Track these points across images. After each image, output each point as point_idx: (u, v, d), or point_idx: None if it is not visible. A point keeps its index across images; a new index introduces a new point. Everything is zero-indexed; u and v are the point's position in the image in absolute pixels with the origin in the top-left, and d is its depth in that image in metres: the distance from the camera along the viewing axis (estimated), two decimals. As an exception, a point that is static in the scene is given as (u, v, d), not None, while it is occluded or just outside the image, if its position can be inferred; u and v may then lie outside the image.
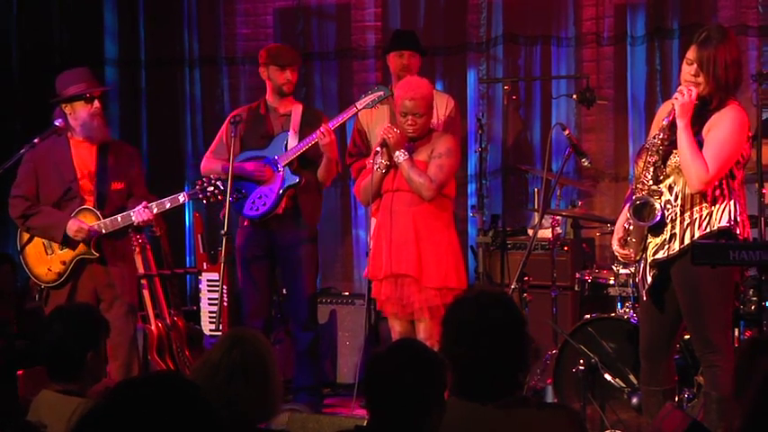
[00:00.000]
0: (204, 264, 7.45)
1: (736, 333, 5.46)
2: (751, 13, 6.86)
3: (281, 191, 6.27)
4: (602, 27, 7.30)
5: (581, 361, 5.72)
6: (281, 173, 6.28)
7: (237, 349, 3.39)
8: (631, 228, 4.78)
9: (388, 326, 6.35)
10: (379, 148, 5.78)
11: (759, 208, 5.16)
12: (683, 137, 4.60)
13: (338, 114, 6.37)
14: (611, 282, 6.13)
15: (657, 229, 4.70)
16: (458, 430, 3.19)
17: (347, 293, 7.43)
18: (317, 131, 6.16)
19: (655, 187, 4.70)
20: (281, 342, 7.05)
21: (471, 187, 7.59)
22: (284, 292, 6.77)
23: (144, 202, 5.80)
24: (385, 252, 5.85)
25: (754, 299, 5.56)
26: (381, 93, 6.17)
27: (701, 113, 4.65)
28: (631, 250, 4.81)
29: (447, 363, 3.19)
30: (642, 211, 4.71)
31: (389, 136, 5.76)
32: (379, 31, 7.73)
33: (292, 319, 6.64)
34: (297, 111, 6.42)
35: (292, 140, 6.33)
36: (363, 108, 6.22)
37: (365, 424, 3.10)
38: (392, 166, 5.80)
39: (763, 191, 5.25)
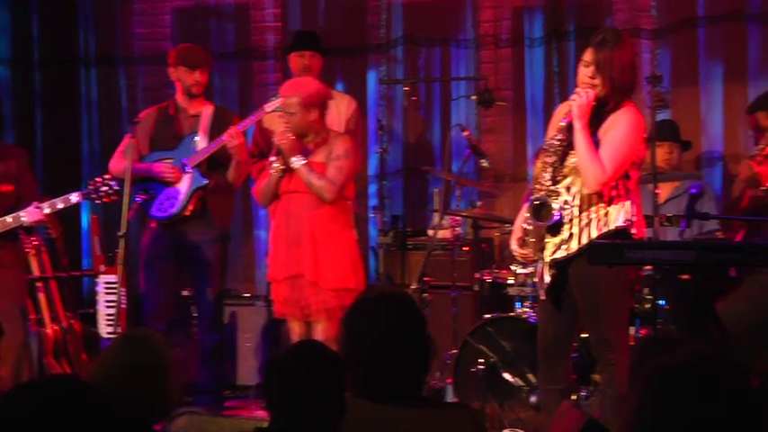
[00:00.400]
0: (101, 266, 7.33)
1: (632, 331, 5.55)
2: (644, 17, 6.98)
3: (189, 192, 6.22)
4: (500, 29, 7.36)
5: (480, 360, 5.77)
6: (190, 174, 6.23)
7: (129, 348, 3.35)
8: (530, 228, 4.82)
9: (287, 327, 6.34)
10: (274, 157, 5.78)
11: (653, 208, 5.26)
12: (581, 138, 4.66)
13: (247, 117, 6.35)
14: (511, 281, 6.18)
15: (556, 229, 4.76)
16: (358, 431, 3.19)
17: (248, 295, 7.39)
18: (226, 133, 6.13)
19: (553, 188, 4.75)
20: (180, 344, 6.98)
21: (372, 188, 7.59)
22: (186, 293, 6.71)
23: (35, 203, 5.70)
24: (282, 254, 5.85)
25: (649, 297, 5.65)
26: None
27: (597, 115, 4.72)
28: (530, 250, 4.85)
29: (347, 363, 3.19)
30: (540, 211, 4.76)
31: (282, 142, 5.75)
32: (279, 32, 7.69)
33: (198, 321, 6.59)
34: (207, 112, 6.38)
35: (201, 142, 6.30)
36: (272, 111, 6.21)
37: (266, 426, 3.08)
38: (288, 168, 5.79)
39: (657, 191, 5.35)
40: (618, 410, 4.58)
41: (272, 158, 5.81)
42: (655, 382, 2.36)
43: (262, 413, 5.42)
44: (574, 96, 4.71)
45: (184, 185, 6.23)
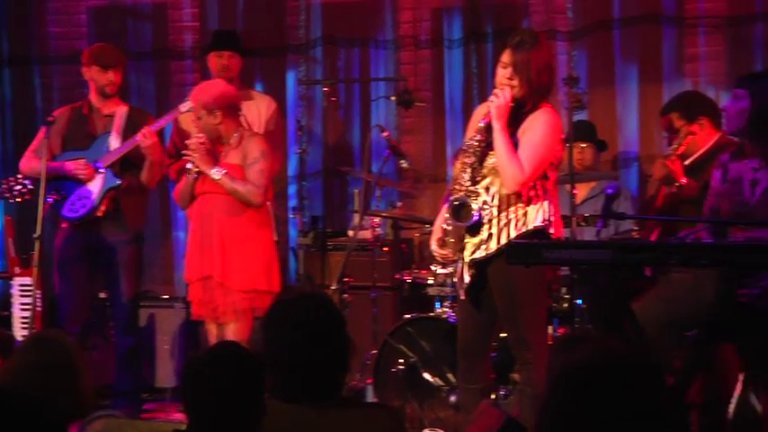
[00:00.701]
0: (16, 268, 7.21)
1: (550, 330, 5.60)
2: (560, 19, 7.05)
3: (101, 193, 6.17)
4: (419, 30, 7.39)
5: (400, 361, 5.78)
6: (103, 174, 6.17)
7: (39, 349, 3.32)
8: (449, 228, 4.84)
9: (205, 329, 6.30)
10: (189, 165, 5.73)
11: (571, 208, 5.30)
12: (500, 139, 4.69)
13: (161, 116, 6.31)
14: (430, 282, 6.20)
15: (475, 229, 4.78)
16: (278, 432, 3.18)
17: (167, 297, 7.32)
18: (140, 134, 6.09)
19: (472, 188, 4.78)
20: (97, 347, 6.90)
21: (292, 189, 7.57)
22: (102, 296, 6.64)
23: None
24: (196, 255, 5.84)
25: (567, 297, 5.71)
26: None
27: (516, 116, 4.76)
28: (449, 250, 4.87)
29: (267, 365, 3.18)
30: (460, 211, 4.78)
31: (195, 156, 5.71)
32: (197, 32, 7.63)
33: (113, 324, 6.52)
34: (121, 112, 6.34)
35: (114, 142, 6.25)
36: (187, 111, 6.18)
37: (183, 429, 3.06)
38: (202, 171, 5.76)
39: (575, 191, 5.40)
40: (536, 409, 4.61)
41: (189, 165, 5.78)
42: (566, 380, 2.39)
43: (179, 416, 5.40)
44: (492, 97, 4.74)
45: (97, 185, 6.17)
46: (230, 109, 5.83)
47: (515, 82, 4.72)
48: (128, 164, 6.22)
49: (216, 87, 5.86)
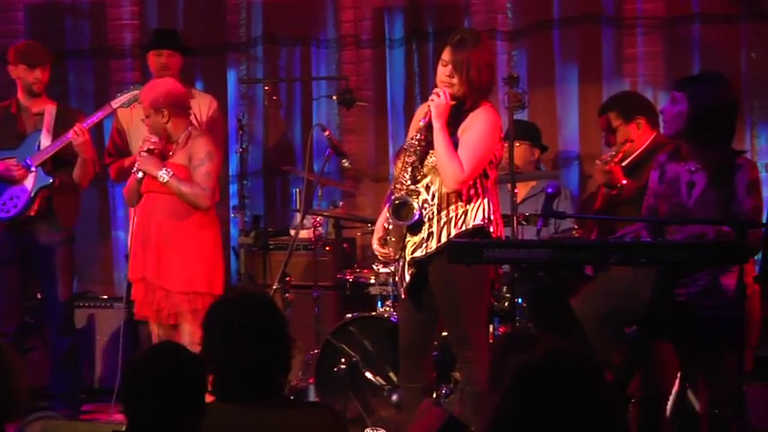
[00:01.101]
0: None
1: (491, 329, 5.62)
2: (501, 18, 7.09)
3: (33, 192, 6.11)
4: (360, 29, 7.38)
5: (342, 360, 5.78)
6: (34, 173, 6.11)
7: None
8: (391, 227, 4.85)
9: (147, 329, 6.25)
10: (140, 174, 5.69)
11: (512, 207, 5.33)
12: (440, 138, 4.70)
13: (93, 114, 6.26)
14: (372, 281, 6.21)
15: (416, 228, 4.79)
16: (218, 433, 3.17)
17: (106, 297, 7.26)
18: (71, 131, 6.04)
19: (413, 187, 4.79)
20: (35, 348, 6.82)
21: (233, 188, 7.53)
22: (39, 296, 6.57)
23: None
24: (138, 254, 5.78)
25: (508, 295, 5.74)
26: (137, 92, 6.12)
27: (456, 114, 4.78)
28: (391, 249, 4.88)
29: (208, 365, 3.17)
30: (401, 210, 4.79)
31: (141, 162, 5.66)
32: (137, 30, 7.57)
33: (48, 325, 6.45)
34: (50, 110, 6.28)
35: (45, 140, 6.19)
36: (119, 107, 6.17)
37: (123, 429, 3.03)
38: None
39: (516, 190, 5.43)
40: (477, 408, 4.63)
41: (135, 167, 5.72)
42: (514, 381, 2.40)
43: (119, 416, 5.35)
44: (432, 96, 4.75)
45: (28, 185, 6.13)
46: (178, 107, 5.78)
47: (455, 80, 4.74)
48: (60, 162, 6.18)
49: (163, 86, 5.81)
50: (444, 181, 4.73)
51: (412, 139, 4.83)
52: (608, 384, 4.38)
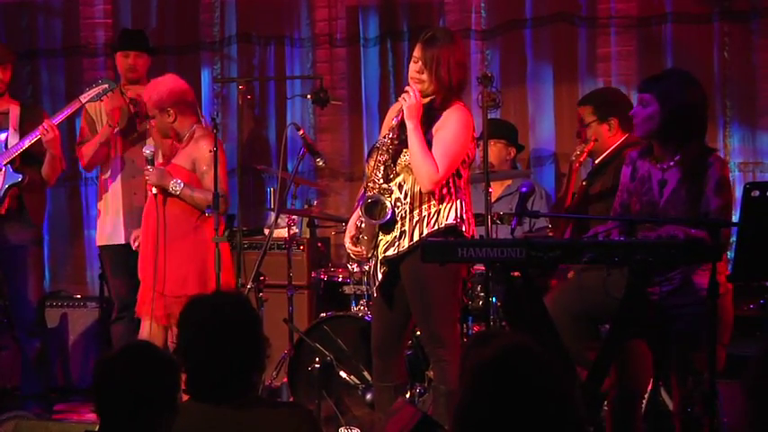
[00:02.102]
0: None
1: (465, 328, 5.63)
2: (474, 18, 7.09)
3: (2, 190, 6.08)
4: (335, 28, 7.38)
5: (316, 359, 5.77)
6: (2, 171, 6.09)
7: None
8: (363, 226, 4.85)
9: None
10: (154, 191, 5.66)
11: (486, 207, 5.34)
12: (414, 138, 4.71)
13: (62, 109, 6.24)
14: (346, 280, 6.21)
15: (388, 226, 4.80)
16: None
17: (78, 296, 7.24)
18: (40, 127, 6.02)
19: (385, 186, 4.79)
20: (6, 348, 6.79)
21: (207, 187, 7.50)
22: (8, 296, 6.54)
23: None
24: (141, 255, 5.81)
25: (482, 294, 5.74)
26: (106, 86, 6.16)
27: (428, 113, 4.78)
28: (363, 248, 4.88)
29: (182, 364, 3.16)
30: (373, 209, 4.79)
31: (151, 179, 5.64)
32: (110, 29, 7.54)
33: (18, 325, 6.42)
34: (15, 109, 6.28)
35: (12, 138, 6.18)
36: (88, 102, 6.17)
37: (96, 429, 3.02)
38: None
39: (490, 189, 5.44)
40: (450, 406, 4.63)
41: (147, 169, 5.69)
42: (469, 377, 2.42)
43: (92, 416, 5.33)
44: (404, 95, 4.75)
45: None
46: (183, 105, 5.77)
47: (425, 77, 4.75)
48: (29, 159, 6.17)
49: (165, 84, 5.78)
50: (419, 181, 4.73)
51: (384, 137, 4.83)
52: (581, 382, 4.41)
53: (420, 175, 4.72)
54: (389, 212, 4.75)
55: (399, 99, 4.80)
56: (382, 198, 4.77)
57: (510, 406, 2.35)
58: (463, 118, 4.79)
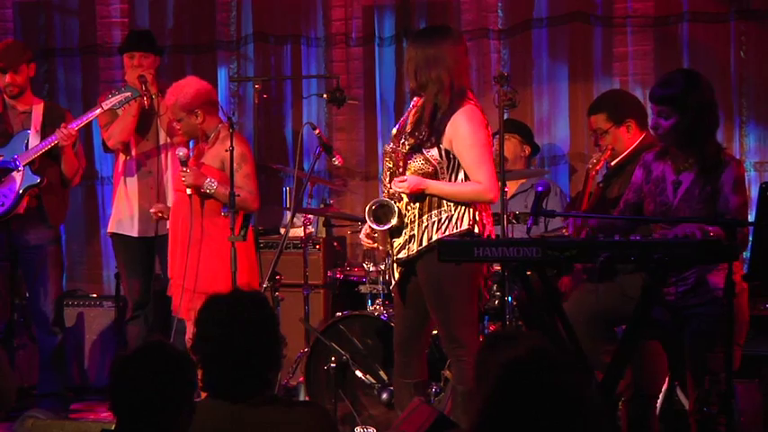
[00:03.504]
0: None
1: (481, 327, 5.63)
2: (491, 17, 7.08)
3: (20, 190, 6.11)
4: (350, 28, 7.38)
5: (332, 358, 5.77)
6: (21, 172, 6.11)
7: None
8: (376, 234, 4.87)
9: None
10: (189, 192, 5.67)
11: (502, 206, 5.34)
12: (440, 191, 4.73)
13: (83, 114, 6.26)
14: (362, 279, 6.21)
15: (398, 230, 4.81)
16: (208, 430, 3.16)
17: (95, 295, 7.26)
18: (58, 132, 6.04)
19: (393, 190, 4.80)
20: (24, 347, 6.81)
21: (222, 186, 7.51)
22: (27, 295, 6.56)
23: None
24: (170, 253, 5.82)
25: (498, 294, 5.74)
26: (129, 94, 6.15)
27: (432, 122, 4.76)
28: (379, 245, 4.90)
29: (199, 362, 3.17)
30: (379, 213, 4.80)
31: (187, 181, 5.64)
32: (126, 28, 7.53)
33: (36, 323, 6.44)
34: (38, 109, 6.30)
35: (34, 139, 6.20)
36: (109, 109, 6.14)
37: (112, 428, 3.03)
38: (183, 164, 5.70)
39: (505, 189, 5.43)
40: (467, 406, 4.63)
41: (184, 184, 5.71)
42: (498, 379, 2.41)
43: (108, 415, 5.35)
44: (399, 185, 4.74)
45: (16, 184, 6.11)
46: (209, 105, 5.80)
47: (410, 76, 4.80)
48: (48, 161, 6.18)
49: (191, 86, 5.80)
50: (483, 204, 4.75)
51: (387, 146, 4.85)
52: (597, 383, 4.40)
53: (478, 201, 4.73)
54: (395, 218, 4.76)
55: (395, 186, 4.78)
56: (389, 202, 4.78)
57: (538, 411, 2.34)
58: (471, 120, 4.74)
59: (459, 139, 4.72)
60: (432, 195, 4.74)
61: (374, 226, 4.81)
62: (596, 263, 4.20)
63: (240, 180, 5.67)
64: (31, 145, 6.17)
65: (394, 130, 4.83)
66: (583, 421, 2.34)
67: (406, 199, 4.79)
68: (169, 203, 6.15)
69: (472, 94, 4.88)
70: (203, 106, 5.76)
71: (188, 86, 5.80)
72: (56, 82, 7.76)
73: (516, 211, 5.81)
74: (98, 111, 6.18)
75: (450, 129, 4.73)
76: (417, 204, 4.77)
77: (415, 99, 4.84)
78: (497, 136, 5.50)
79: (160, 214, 6.00)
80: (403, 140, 4.79)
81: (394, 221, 4.76)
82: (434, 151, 4.74)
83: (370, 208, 4.81)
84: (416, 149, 4.77)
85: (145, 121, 6.36)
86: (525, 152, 6.54)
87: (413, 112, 4.84)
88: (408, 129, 4.84)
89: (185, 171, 5.65)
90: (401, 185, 4.73)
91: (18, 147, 6.17)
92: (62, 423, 5.24)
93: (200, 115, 5.75)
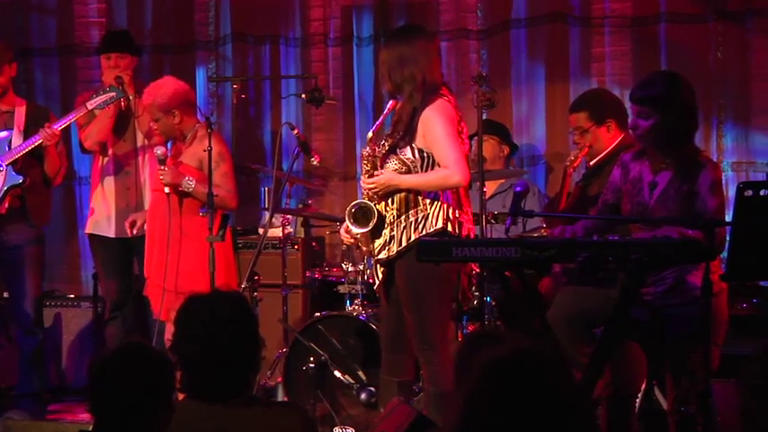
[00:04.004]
0: None
1: (460, 328, 5.63)
2: (470, 17, 7.09)
3: (2, 190, 6.09)
4: (329, 28, 7.38)
5: (311, 359, 5.77)
6: (3, 172, 6.08)
7: None
8: (359, 235, 4.88)
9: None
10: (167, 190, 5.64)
11: (481, 206, 5.34)
12: (409, 184, 4.76)
13: (66, 114, 6.24)
14: (341, 279, 6.21)
15: (378, 231, 4.81)
16: (186, 431, 3.16)
17: (72, 296, 7.23)
18: (42, 132, 6.02)
19: (365, 188, 4.81)
20: (2, 347, 6.78)
21: (201, 186, 7.50)
22: (5, 295, 6.54)
23: None
24: (147, 253, 5.81)
25: (477, 294, 5.74)
26: (113, 94, 6.13)
27: (409, 121, 4.77)
28: (361, 245, 4.91)
29: (177, 362, 3.16)
30: (359, 215, 4.81)
31: (164, 179, 5.62)
32: (104, 28, 7.51)
33: (16, 324, 6.43)
34: (21, 108, 6.28)
35: (16, 139, 6.18)
36: (94, 109, 6.13)
37: (90, 429, 3.02)
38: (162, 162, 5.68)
39: (484, 189, 5.44)
40: (440, 408, 4.63)
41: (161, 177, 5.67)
42: (481, 377, 2.41)
43: (86, 416, 5.33)
44: (370, 189, 4.77)
45: None
46: (186, 105, 5.79)
47: (384, 77, 4.82)
48: (31, 160, 6.15)
49: (168, 87, 5.79)
50: (453, 189, 4.75)
51: (363, 149, 4.88)
52: (576, 384, 4.41)
53: (448, 187, 4.75)
54: (374, 220, 4.77)
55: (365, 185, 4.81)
56: (367, 203, 4.79)
57: (521, 410, 2.34)
58: (441, 113, 4.77)
59: (429, 133, 4.75)
60: (408, 191, 4.75)
61: (354, 228, 4.81)
62: (575, 263, 4.21)
63: (218, 179, 5.66)
64: (13, 145, 6.15)
65: (370, 134, 4.84)
66: (569, 420, 2.35)
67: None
68: (146, 204, 6.15)
69: (448, 90, 4.90)
70: (181, 106, 5.75)
71: (165, 86, 5.79)
72: (33, 82, 7.72)
73: (495, 212, 5.82)
74: (83, 110, 6.16)
75: (420, 125, 4.76)
76: (396, 205, 4.77)
77: (390, 103, 4.84)
78: (476, 137, 5.51)
79: (135, 229, 5.99)
80: (383, 142, 4.81)
81: (372, 224, 4.77)
82: (407, 151, 4.78)
83: (350, 211, 4.82)
84: (391, 151, 4.79)
85: (122, 121, 6.34)
86: (504, 152, 6.56)
87: (389, 114, 4.86)
88: (389, 131, 4.86)
89: (164, 170, 5.63)
90: (370, 184, 4.75)
91: (0, 146, 6.15)
92: (40, 424, 5.23)
93: (178, 115, 5.74)
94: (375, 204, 4.80)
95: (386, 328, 5.00)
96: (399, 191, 4.78)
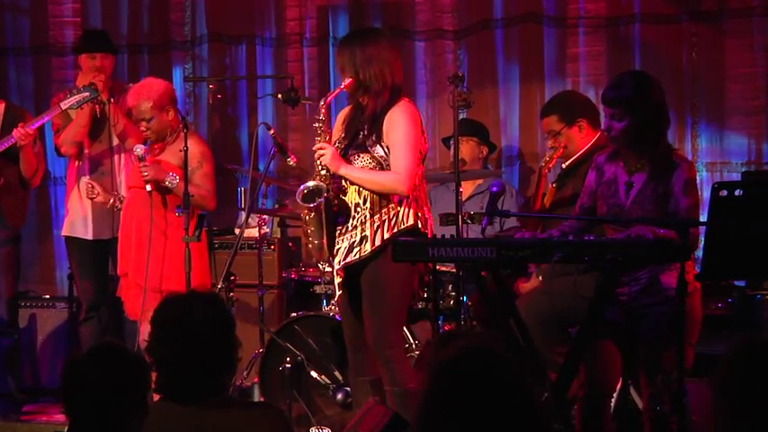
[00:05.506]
0: None
1: (437, 327, 5.64)
2: (446, 18, 7.10)
3: (-24, 191, 6.07)
4: (305, 28, 7.37)
5: (287, 359, 5.76)
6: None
7: None
8: (307, 218, 4.85)
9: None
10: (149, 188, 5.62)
11: (457, 206, 5.35)
12: (354, 176, 4.78)
13: (40, 115, 6.21)
14: (317, 280, 6.20)
15: (347, 231, 4.80)
16: (161, 433, 3.15)
17: (47, 296, 7.20)
18: (16, 132, 5.99)
19: (324, 173, 4.79)
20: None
21: (177, 186, 7.48)
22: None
23: None
24: (123, 250, 5.77)
25: (453, 294, 5.75)
26: (87, 94, 6.10)
27: (374, 119, 4.79)
28: (315, 241, 4.86)
29: (153, 363, 3.15)
30: (311, 196, 4.80)
31: (146, 170, 5.58)
32: (79, 27, 7.48)
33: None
34: None
35: None
36: (68, 109, 6.09)
37: (65, 430, 3.01)
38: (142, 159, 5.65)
39: (461, 189, 5.45)
40: (405, 406, 4.62)
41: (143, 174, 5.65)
42: (429, 379, 2.43)
43: (61, 417, 5.31)
44: (319, 154, 4.79)
45: None
46: (175, 102, 5.80)
47: (347, 77, 4.80)
48: (6, 161, 6.12)
49: (158, 84, 5.77)
50: (395, 195, 4.75)
51: (334, 143, 4.86)
52: (551, 383, 4.42)
53: (389, 191, 4.74)
54: (324, 196, 4.76)
55: (317, 151, 4.81)
56: (318, 184, 4.78)
57: (470, 406, 2.35)
58: (407, 115, 4.80)
59: (392, 133, 4.78)
60: (345, 179, 4.78)
61: (301, 203, 4.81)
62: (550, 263, 4.22)
63: (199, 179, 5.65)
64: (-10, 146, 6.13)
65: (322, 102, 4.88)
66: (528, 417, 2.36)
67: (356, 199, 4.80)
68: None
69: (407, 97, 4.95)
70: (172, 102, 5.76)
71: (154, 85, 5.78)
72: (7, 82, 7.69)
73: (471, 212, 5.82)
74: (57, 111, 6.13)
75: (386, 124, 4.79)
76: (368, 205, 4.77)
77: (348, 80, 4.83)
78: (452, 139, 5.52)
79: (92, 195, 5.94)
80: (337, 144, 4.84)
81: (320, 199, 4.76)
82: (378, 148, 4.79)
83: (302, 191, 4.81)
84: (362, 148, 4.79)
85: (97, 123, 6.32)
86: (483, 153, 6.57)
87: (343, 118, 4.89)
88: (341, 134, 4.88)
89: (146, 166, 5.61)
90: (322, 149, 4.76)
91: (-24, 147, 6.14)
92: (14, 425, 5.21)
93: (172, 112, 5.73)
94: (342, 196, 4.81)
95: (348, 328, 4.99)
96: (346, 180, 4.78)
